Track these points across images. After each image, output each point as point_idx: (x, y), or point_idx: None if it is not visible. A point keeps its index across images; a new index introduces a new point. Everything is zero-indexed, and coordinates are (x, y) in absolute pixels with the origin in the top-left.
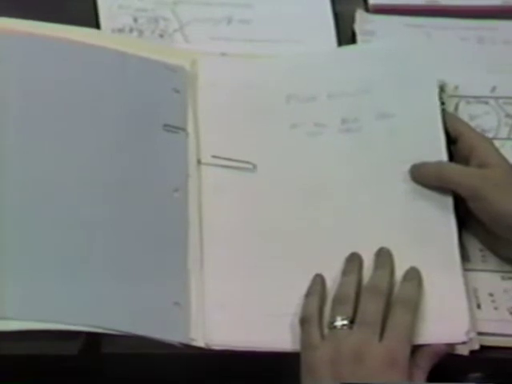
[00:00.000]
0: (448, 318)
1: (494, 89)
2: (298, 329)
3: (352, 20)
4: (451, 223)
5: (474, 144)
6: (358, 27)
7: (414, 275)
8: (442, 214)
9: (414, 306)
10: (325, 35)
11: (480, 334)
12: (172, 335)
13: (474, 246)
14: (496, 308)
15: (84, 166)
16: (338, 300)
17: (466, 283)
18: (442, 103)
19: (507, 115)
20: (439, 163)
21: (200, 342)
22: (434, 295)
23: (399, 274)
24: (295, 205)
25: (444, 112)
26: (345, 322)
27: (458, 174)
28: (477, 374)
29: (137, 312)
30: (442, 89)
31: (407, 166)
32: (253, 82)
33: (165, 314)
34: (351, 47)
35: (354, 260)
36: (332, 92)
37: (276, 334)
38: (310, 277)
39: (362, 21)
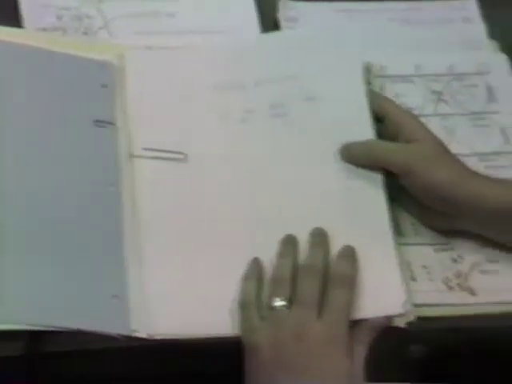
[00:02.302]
0: (384, 291)
1: (418, 67)
2: (238, 313)
3: (275, 8)
4: (382, 200)
5: (400, 120)
6: (281, 14)
7: (348, 252)
8: (373, 191)
9: (351, 283)
10: (249, 24)
11: (417, 305)
12: (113, 328)
13: (406, 221)
14: (431, 279)
15: (16, 165)
16: (275, 282)
17: (400, 257)
18: (368, 83)
19: (432, 92)
20: (368, 142)
21: (142, 333)
22: (369, 270)
23: (335, 252)
24: (229, 191)
25: (370, 92)
26: (283, 303)
27: (388, 150)
28: (418, 346)
29: (76, 307)
30: (367, 69)
31: (337, 147)
32: (180, 73)
33: (104, 308)
34: (275, 34)
35: (289, 242)
36: (259, 79)
37: (217, 319)
38: (248, 261)
39: (285, 8)
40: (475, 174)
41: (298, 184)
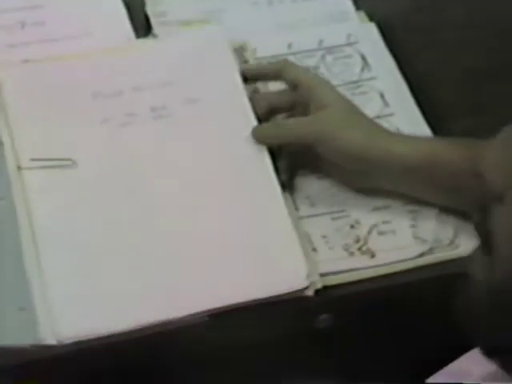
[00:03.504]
0: (286, 267)
1: (290, 45)
2: (142, 305)
3: (143, 3)
4: (272, 178)
5: (311, 86)
6: (149, 10)
7: None
8: (261, 174)
9: None
10: (119, 24)
11: (320, 275)
12: (22, 339)
13: (301, 195)
14: (331, 248)
15: None
16: None
17: (299, 230)
18: (245, 62)
19: (308, 68)
20: (277, 122)
21: (51, 340)
22: (269, 249)
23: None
24: (121, 192)
25: (284, 62)
26: None
27: (298, 126)
28: (325, 315)
29: None
30: (242, 48)
31: (220, 139)
32: (57, 83)
33: (11, 321)
34: (148, 42)
35: None
36: (137, 85)
37: (122, 314)
38: (149, 253)
39: (153, 3)
40: (386, 131)
41: (187, 178)
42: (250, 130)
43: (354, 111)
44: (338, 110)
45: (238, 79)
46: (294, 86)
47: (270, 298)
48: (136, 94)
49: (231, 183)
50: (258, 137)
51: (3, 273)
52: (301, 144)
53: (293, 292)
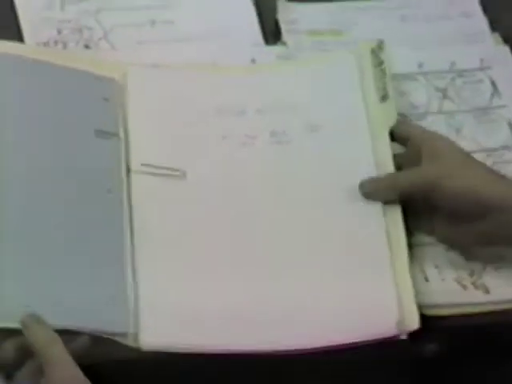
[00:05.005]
0: (376, 313)
1: (421, 65)
2: (228, 326)
3: (274, 9)
4: (380, 220)
5: (424, 139)
6: (280, 17)
7: None
8: (371, 211)
9: None
10: (249, 28)
11: (429, 306)
12: (110, 327)
13: None
14: (443, 279)
15: (19, 172)
16: None
17: (401, 275)
18: (381, 63)
19: (436, 89)
20: (391, 175)
21: (133, 343)
22: (362, 293)
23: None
24: (226, 213)
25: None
26: None
27: (413, 177)
28: (432, 345)
29: (75, 307)
30: (380, 48)
31: (337, 172)
32: (183, 93)
33: (103, 308)
34: (279, 63)
35: None
36: (260, 107)
37: (207, 332)
38: (240, 276)
39: (284, 10)
40: (501, 177)
41: (296, 207)
42: (367, 163)
43: (470, 158)
44: (453, 157)
45: (362, 109)
46: (404, 141)
47: (360, 342)
48: (258, 116)
49: (338, 218)
50: (368, 192)
51: (101, 261)
52: (416, 193)
53: (382, 338)
